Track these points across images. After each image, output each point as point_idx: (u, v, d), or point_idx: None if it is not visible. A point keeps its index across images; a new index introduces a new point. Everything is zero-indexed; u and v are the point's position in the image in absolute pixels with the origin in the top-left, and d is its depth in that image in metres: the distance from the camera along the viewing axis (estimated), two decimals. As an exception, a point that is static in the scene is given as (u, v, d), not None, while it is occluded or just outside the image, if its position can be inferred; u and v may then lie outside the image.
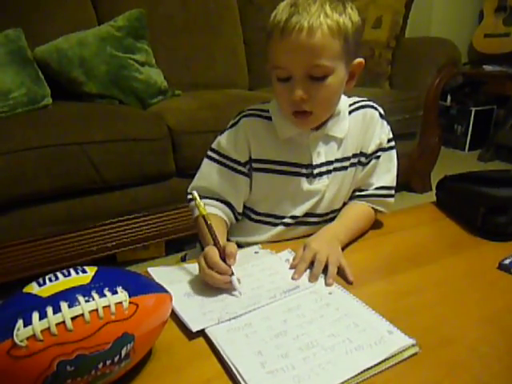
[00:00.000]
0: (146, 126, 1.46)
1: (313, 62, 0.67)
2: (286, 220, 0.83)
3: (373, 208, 0.85)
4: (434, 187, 0.98)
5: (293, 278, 0.66)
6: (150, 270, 0.69)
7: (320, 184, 0.80)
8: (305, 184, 0.80)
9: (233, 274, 0.63)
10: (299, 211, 0.82)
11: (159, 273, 0.68)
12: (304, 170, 0.80)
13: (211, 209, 0.79)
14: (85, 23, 1.79)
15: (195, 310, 0.59)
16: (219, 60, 2.14)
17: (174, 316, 0.57)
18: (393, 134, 0.85)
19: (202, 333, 0.55)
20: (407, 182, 2.18)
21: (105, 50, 1.65)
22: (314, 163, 0.79)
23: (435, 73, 2.02)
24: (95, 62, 1.64)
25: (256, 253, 0.77)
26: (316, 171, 0.80)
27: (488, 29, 2.95)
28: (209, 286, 0.63)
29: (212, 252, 0.63)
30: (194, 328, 0.55)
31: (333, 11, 0.67)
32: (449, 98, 2.99)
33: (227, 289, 0.63)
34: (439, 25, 2.89)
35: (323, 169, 0.80)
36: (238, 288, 0.63)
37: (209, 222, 0.66)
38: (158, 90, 1.74)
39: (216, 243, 0.65)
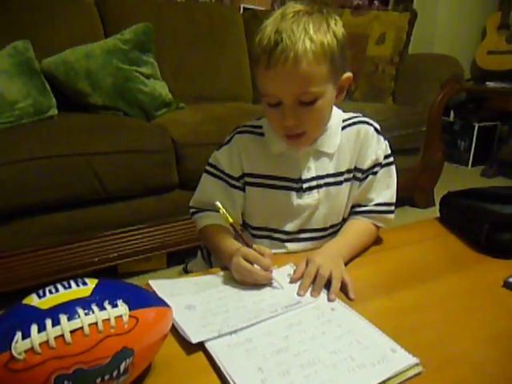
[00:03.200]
0: (150, 138, 1.47)
1: (301, 90, 0.68)
2: (281, 236, 0.83)
3: (373, 224, 0.84)
4: (437, 202, 0.98)
5: (298, 294, 0.66)
6: (150, 282, 0.69)
7: (310, 198, 0.80)
8: (294, 198, 0.80)
9: (272, 270, 0.67)
10: (293, 226, 0.82)
11: (160, 285, 0.68)
12: (294, 185, 0.80)
13: (215, 220, 0.80)
14: (92, 36, 1.81)
15: (195, 322, 0.58)
16: (224, 73, 2.16)
17: (174, 330, 0.56)
18: (393, 149, 0.84)
19: (202, 348, 0.54)
20: (410, 197, 2.17)
21: (111, 62, 1.66)
22: (304, 178, 0.80)
23: (438, 89, 2.03)
24: (101, 74, 1.65)
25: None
26: (305, 186, 0.80)
27: (491, 46, 2.97)
28: (246, 284, 0.67)
29: (252, 251, 0.67)
30: (194, 339, 0.54)
31: (317, 32, 0.67)
32: (452, 113, 3.00)
33: (265, 284, 0.67)
34: (442, 41, 2.92)
35: (313, 183, 0.80)
36: (280, 282, 0.67)
37: (238, 228, 0.71)
38: (162, 102, 1.75)
39: (250, 246, 0.69)
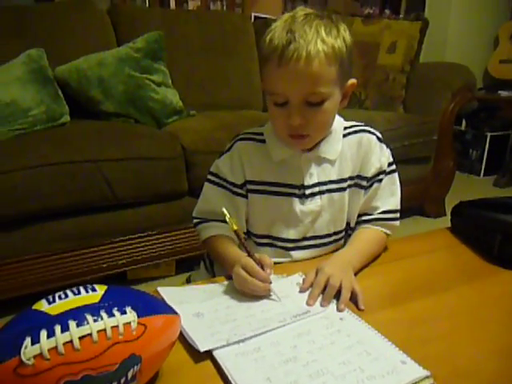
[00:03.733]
0: (161, 145, 1.48)
1: (311, 89, 0.68)
2: (284, 244, 0.82)
3: (381, 231, 0.83)
4: (448, 212, 0.97)
5: (308, 304, 0.65)
6: (159, 289, 0.69)
7: (313, 205, 0.80)
8: (297, 205, 0.80)
9: (271, 282, 0.66)
10: (296, 233, 0.82)
11: (169, 292, 0.68)
12: (297, 191, 0.80)
13: (219, 230, 0.80)
14: (105, 44, 1.84)
15: (204, 331, 0.58)
16: (234, 81, 2.17)
17: (182, 338, 0.56)
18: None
19: (209, 356, 0.54)
20: (421, 206, 2.15)
21: (123, 70, 1.69)
22: (306, 184, 0.79)
23: (450, 97, 2.01)
24: (113, 81, 1.67)
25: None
26: (308, 192, 0.80)
27: (503, 55, 2.95)
28: (247, 295, 0.66)
29: (252, 262, 0.66)
30: (202, 348, 0.54)
31: (328, 35, 0.68)
32: (464, 122, 2.98)
33: (264, 296, 0.66)
34: (454, 50, 2.90)
35: (315, 189, 0.80)
36: (278, 294, 0.66)
37: (241, 236, 0.70)
38: (173, 109, 1.77)
39: (251, 255, 0.68)
